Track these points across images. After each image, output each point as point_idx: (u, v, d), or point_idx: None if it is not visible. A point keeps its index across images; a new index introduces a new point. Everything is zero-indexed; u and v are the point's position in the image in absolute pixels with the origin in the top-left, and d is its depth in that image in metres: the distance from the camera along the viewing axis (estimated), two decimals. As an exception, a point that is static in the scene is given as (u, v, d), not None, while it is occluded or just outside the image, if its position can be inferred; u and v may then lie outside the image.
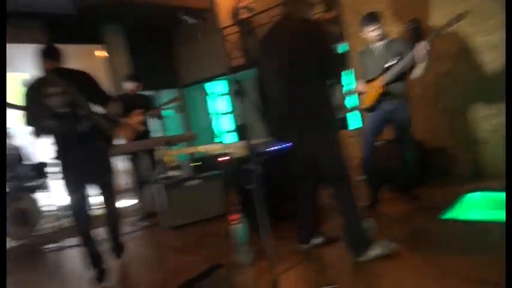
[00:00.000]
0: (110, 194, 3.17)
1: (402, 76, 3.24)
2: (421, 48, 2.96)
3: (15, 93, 3.05)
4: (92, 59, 7.05)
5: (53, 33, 6.55)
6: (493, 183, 3.39)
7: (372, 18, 3.30)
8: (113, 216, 3.19)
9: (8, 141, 5.36)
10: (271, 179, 3.43)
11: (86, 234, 2.94)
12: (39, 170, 5.04)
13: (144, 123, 4.65)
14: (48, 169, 4.91)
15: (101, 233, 3.22)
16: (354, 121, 5.71)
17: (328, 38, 2.60)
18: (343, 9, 5.05)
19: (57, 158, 2.94)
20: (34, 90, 2.82)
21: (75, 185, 2.91)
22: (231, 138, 8.51)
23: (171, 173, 4.94)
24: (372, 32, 3.30)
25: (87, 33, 6.97)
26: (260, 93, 2.79)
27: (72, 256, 3.72)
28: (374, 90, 3.34)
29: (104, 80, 5.63)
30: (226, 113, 8.76)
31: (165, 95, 7.22)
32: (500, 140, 3.76)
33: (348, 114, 5.73)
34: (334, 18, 5.37)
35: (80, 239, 2.98)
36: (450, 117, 4.17)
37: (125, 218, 4.83)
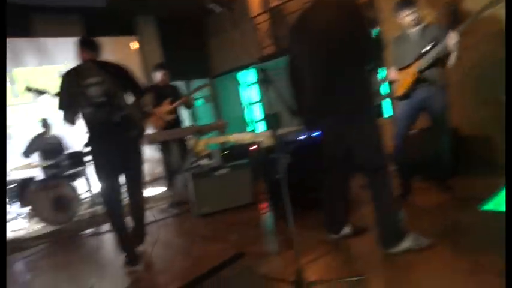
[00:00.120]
0: (138, 185, 3.21)
1: (438, 62, 3.10)
2: (453, 37, 2.88)
3: (52, 85, 3.19)
4: (125, 50, 7.21)
5: (87, 26, 6.76)
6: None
7: (408, 2, 3.16)
8: (137, 207, 3.21)
9: (47, 131, 5.63)
10: (300, 167, 3.41)
11: (118, 220, 3.03)
12: (77, 158, 5.26)
13: (175, 112, 4.72)
14: (85, 158, 5.11)
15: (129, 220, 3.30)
16: (386, 109, 5.54)
17: (367, 21, 2.49)
18: (376, -7, 4.88)
19: (89, 145, 3.04)
20: (71, 77, 2.92)
21: (107, 172, 3.00)
22: (263, 127, 8.52)
23: (202, 162, 5.01)
24: (407, 17, 3.17)
25: (120, 25, 7.14)
26: (292, 81, 2.72)
27: (108, 241, 3.87)
28: (408, 77, 3.21)
29: (137, 71, 5.77)
30: (258, 102, 8.75)
31: (196, 85, 7.29)
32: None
33: (382, 102, 5.56)
34: (367, 2, 5.20)
35: (112, 225, 3.09)
36: (490, 105, 3.96)
37: (155, 205, 4.97)
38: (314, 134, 3.83)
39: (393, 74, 3.35)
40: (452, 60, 3.03)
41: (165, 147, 4.72)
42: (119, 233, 3.02)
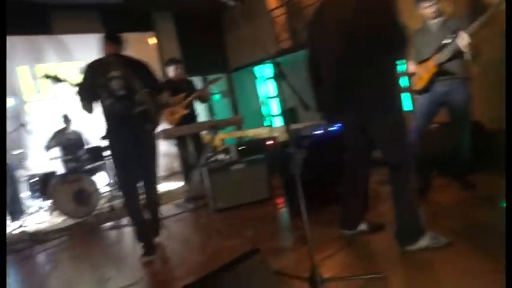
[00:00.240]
0: (152, 178, 3.27)
1: (459, 55, 3.00)
2: (464, 38, 2.83)
3: (73, 80, 3.27)
4: (143, 46, 7.27)
5: (106, 22, 6.84)
6: None
7: None
8: (152, 200, 3.27)
9: (68, 126, 5.74)
10: (317, 162, 3.38)
11: (135, 210, 3.10)
12: (97, 153, 5.35)
13: (191, 107, 4.74)
14: (104, 152, 5.20)
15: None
16: (405, 104, 5.42)
17: (394, 8, 2.40)
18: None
19: (107, 137, 3.11)
20: (96, 68, 2.99)
21: (123, 162, 3.07)
22: (279, 122, 8.47)
23: (218, 157, 5.03)
24: (427, 9, 3.08)
25: (137, 21, 7.20)
26: (312, 75, 2.65)
27: (127, 234, 3.93)
28: (427, 70, 3.13)
29: (155, 66, 5.81)
30: (274, 97, 8.70)
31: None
32: None
33: (403, 95, 5.44)
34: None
35: (129, 215, 3.17)
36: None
37: (172, 200, 5.02)
38: (331, 129, 3.79)
39: (412, 67, 3.27)
40: (467, 56, 2.94)
41: (181, 142, 4.75)
42: (136, 223, 3.09)
